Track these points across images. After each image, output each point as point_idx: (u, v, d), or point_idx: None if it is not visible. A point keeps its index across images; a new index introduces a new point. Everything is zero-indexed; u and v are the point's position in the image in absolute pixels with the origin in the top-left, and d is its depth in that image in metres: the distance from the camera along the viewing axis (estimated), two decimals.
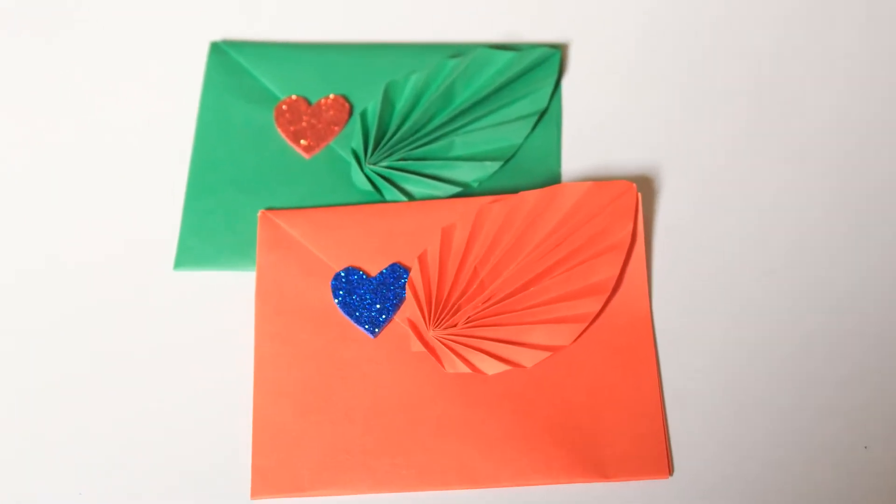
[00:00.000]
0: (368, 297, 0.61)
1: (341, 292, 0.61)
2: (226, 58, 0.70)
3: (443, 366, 0.58)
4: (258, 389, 0.59)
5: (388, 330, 0.61)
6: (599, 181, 0.62)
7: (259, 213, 0.64)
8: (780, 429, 0.58)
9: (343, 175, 0.66)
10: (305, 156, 0.67)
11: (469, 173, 0.65)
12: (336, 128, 0.67)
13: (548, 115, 0.67)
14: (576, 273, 0.60)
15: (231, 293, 0.63)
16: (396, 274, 0.61)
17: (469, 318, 0.59)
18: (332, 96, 0.68)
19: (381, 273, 0.61)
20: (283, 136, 0.67)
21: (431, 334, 0.59)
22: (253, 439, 0.58)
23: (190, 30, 0.72)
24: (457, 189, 0.64)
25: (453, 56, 0.68)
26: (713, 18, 0.72)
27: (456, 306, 0.59)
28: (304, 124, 0.67)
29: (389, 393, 0.59)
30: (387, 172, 0.64)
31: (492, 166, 0.65)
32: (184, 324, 0.62)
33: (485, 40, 0.70)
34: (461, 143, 0.66)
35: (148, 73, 0.71)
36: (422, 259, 0.60)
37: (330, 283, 0.61)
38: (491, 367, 0.58)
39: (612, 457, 0.57)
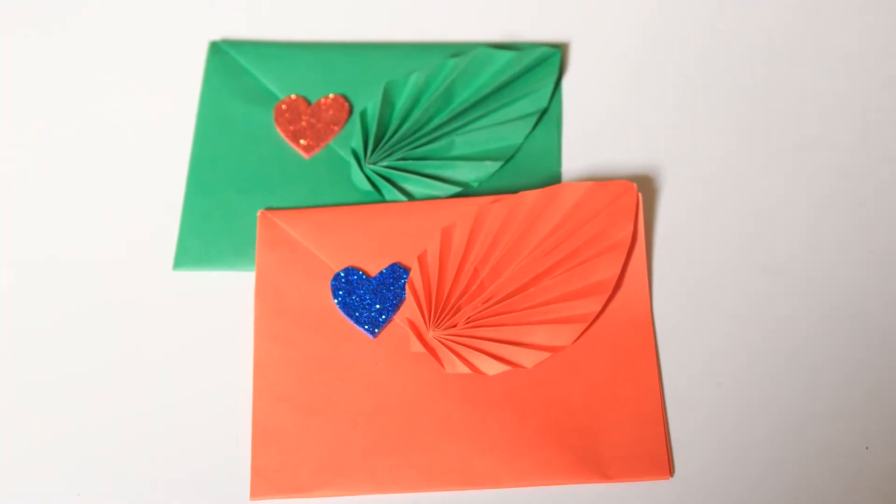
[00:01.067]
0: (368, 297, 0.61)
1: (341, 292, 0.61)
2: (225, 57, 0.70)
3: (443, 366, 0.59)
4: (257, 390, 0.59)
5: (388, 330, 0.61)
6: (600, 181, 0.63)
7: (258, 213, 0.64)
8: (780, 429, 0.58)
9: (343, 175, 0.66)
10: (305, 155, 0.67)
11: (469, 173, 0.65)
12: (336, 127, 0.67)
13: (548, 115, 0.68)
14: (576, 273, 0.60)
15: (230, 293, 0.63)
16: (396, 274, 0.61)
17: (469, 318, 0.59)
18: (331, 96, 0.68)
19: (381, 273, 0.62)
20: (282, 135, 0.67)
21: (431, 335, 0.59)
22: (252, 440, 0.58)
23: (189, 29, 0.72)
24: (457, 189, 0.65)
25: (453, 55, 0.69)
26: (713, 18, 0.72)
27: (456, 306, 0.59)
28: (303, 124, 0.67)
29: (389, 393, 0.59)
30: (386, 172, 0.64)
31: (492, 166, 0.65)
32: (183, 324, 0.63)
33: (485, 40, 0.71)
34: (461, 142, 0.66)
35: (147, 73, 0.71)
36: (421, 259, 0.61)
37: (330, 284, 0.61)
38: (491, 367, 0.58)
39: (612, 457, 0.57)
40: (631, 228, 0.61)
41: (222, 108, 0.69)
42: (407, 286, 0.60)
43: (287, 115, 0.68)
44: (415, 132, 0.66)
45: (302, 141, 0.67)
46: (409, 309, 0.60)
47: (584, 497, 0.57)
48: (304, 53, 0.70)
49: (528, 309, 0.59)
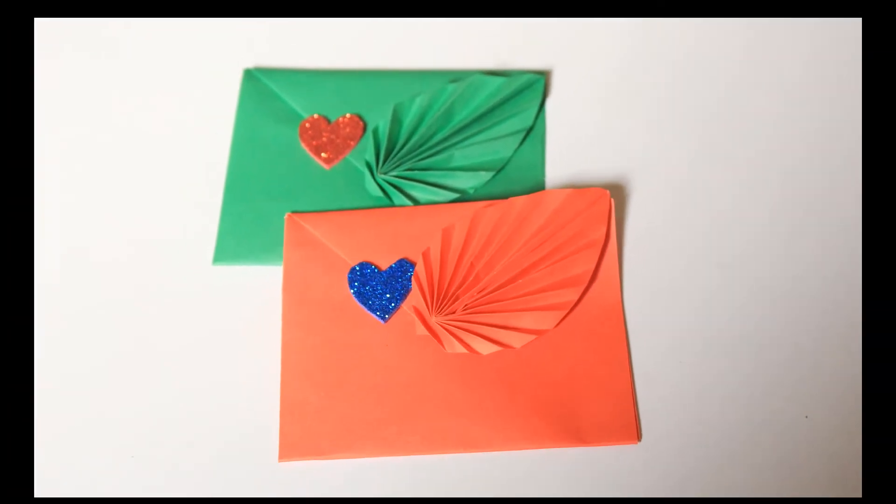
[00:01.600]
0: (380, 287, 0.63)
1: (356, 284, 0.63)
2: (257, 83, 0.72)
3: (443, 347, 0.61)
4: (285, 368, 0.61)
5: (397, 316, 0.63)
6: (578, 188, 0.64)
7: (286, 216, 0.66)
8: (733, 402, 0.60)
9: (358, 183, 0.68)
10: (325, 167, 0.69)
11: (466, 181, 0.67)
12: (352, 142, 0.69)
13: (534, 132, 0.70)
14: (557, 267, 0.62)
15: (261, 285, 0.65)
16: (403, 268, 0.64)
17: (466, 305, 0.61)
18: (348, 115, 0.70)
19: (391, 267, 0.63)
20: (306, 149, 0.69)
21: (434, 320, 0.61)
22: (280, 411, 0.60)
23: (227, 59, 0.74)
24: (456, 195, 0.66)
25: (453, 81, 0.70)
26: (677, 50, 0.74)
27: (455, 296, 0.61)
28: (324, 139, 0.69)
29: (397, 371, 0.61)
30: (395, 181, 0.66)
31: (486, 175, 0.67)
32: (221, 310, 0.64)
33: (479, 67, 0.73)
34: (460, 155, 0.68)
35: (191, 96, 0.73)
36: (425, 255, 0.63)
37: (346, 276, 0.63)
38: (485, 348, 0.60)
39: (588, 425, 0.59)
40: (604, 229, 0.63)
41: (255, 126, 0.70)
42: (413, 278, 0.62)
43: (310, 131, 0.70)
44: (420, 146, 0.68)
45: (323, 154, 0.69)
46: (414, 297, 0.62)
47: (565, 458, 0.59)
48: (324, 79, 0.72)
49: (516, 298, 0.61)
